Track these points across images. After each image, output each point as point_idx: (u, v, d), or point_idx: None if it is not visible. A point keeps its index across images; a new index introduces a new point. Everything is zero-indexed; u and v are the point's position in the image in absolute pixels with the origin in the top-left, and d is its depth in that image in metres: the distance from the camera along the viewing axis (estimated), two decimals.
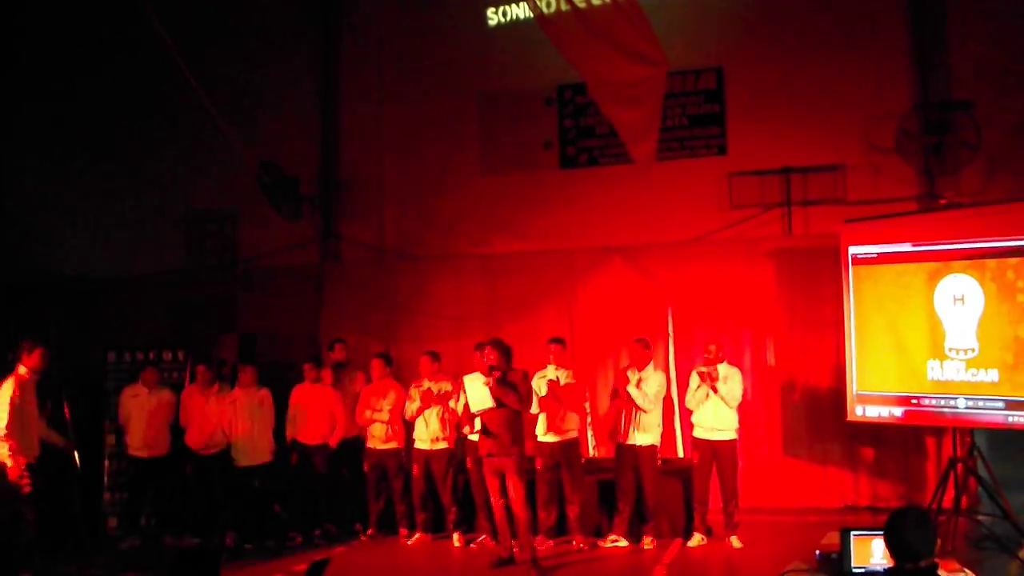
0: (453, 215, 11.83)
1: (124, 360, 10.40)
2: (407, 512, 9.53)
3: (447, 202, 11.88)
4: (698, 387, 8.81)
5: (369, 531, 9.65)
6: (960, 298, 8.20)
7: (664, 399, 9.15)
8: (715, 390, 8.67)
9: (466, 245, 11.67)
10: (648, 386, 8.83)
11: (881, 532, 3.78)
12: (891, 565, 3.67)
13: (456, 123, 11.96)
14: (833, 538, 4.56)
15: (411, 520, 9.50)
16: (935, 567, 3.61)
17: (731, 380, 8.79)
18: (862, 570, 4.38)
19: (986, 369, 7.87)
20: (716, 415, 8.75)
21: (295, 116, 12.38)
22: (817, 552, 4.81)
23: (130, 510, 9.76)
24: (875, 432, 9.73)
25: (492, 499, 8.20)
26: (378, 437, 9.53)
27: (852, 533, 4.32)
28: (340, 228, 12.29)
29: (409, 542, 9.35)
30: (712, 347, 8.92)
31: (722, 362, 8.86)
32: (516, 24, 11.36)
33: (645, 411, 8.74)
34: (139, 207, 12.60)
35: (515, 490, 7.96)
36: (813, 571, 4.67)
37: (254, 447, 9.49)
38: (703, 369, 8.78)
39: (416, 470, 9.34)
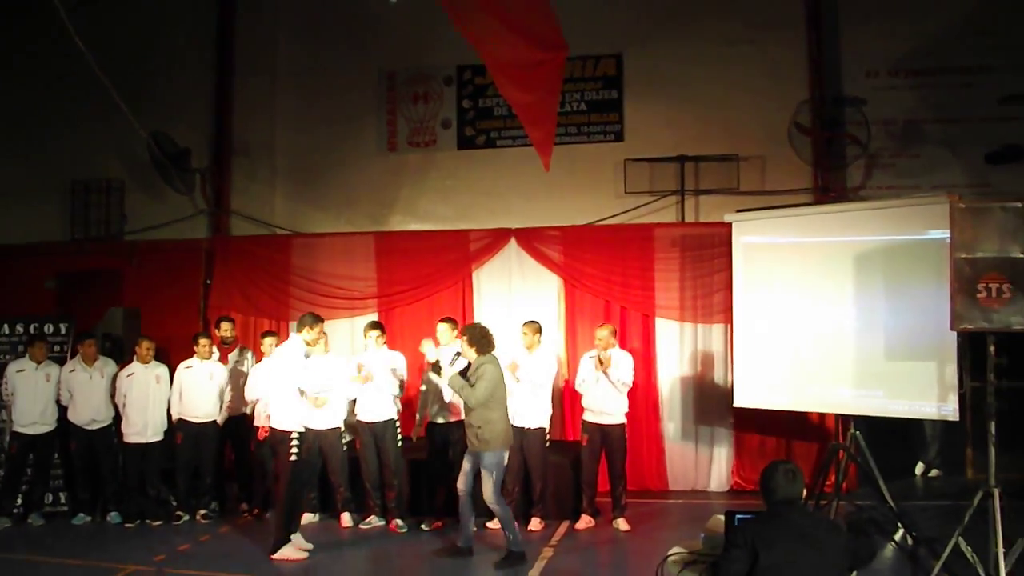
0: (348, 192, 12.39)
1: (3, 333, 10.65)
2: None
3: (342, 179, 12.42)
4: (590, 372, 9.46)
5: (255, 510, 10.13)
6: (843, 289, 8.98)
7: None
8: (607, 375, 9.33)
9: (360, 223, 12.22)
10: (538, 369, 9.48)
11: None
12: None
13: (354, 99, 12.50)
14: (718, 521, 4.93)
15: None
16: (799, 499, 4.53)
17: (621, 365, 9.47)
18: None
19: (869, 359, 8.53)
20: (605, 399, 9.42)
21: (188, 86, 12.71)
22: (702, 535, 5.27)
23: (6, 488, 10.00)
24: (760, 418, 10.50)
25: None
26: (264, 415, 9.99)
27: (736, 516, 4.62)
28: (231, 202, 12.73)
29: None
30: (604, 332, 9.59)
31: (613, 347, 9.58)
32: (417, 1, 11.77)
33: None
34: (24, 174, 12.85)
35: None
36: (697, 553, 5.03)
37: (148, 424, 9.88)
38: (597, 354, 9.40)
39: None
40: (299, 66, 12.57)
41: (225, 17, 12.44)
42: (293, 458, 8.41)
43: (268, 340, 10.14)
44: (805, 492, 8.56)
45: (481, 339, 8.31)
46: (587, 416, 9.56)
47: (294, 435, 8.43)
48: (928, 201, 8.46)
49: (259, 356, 10.32)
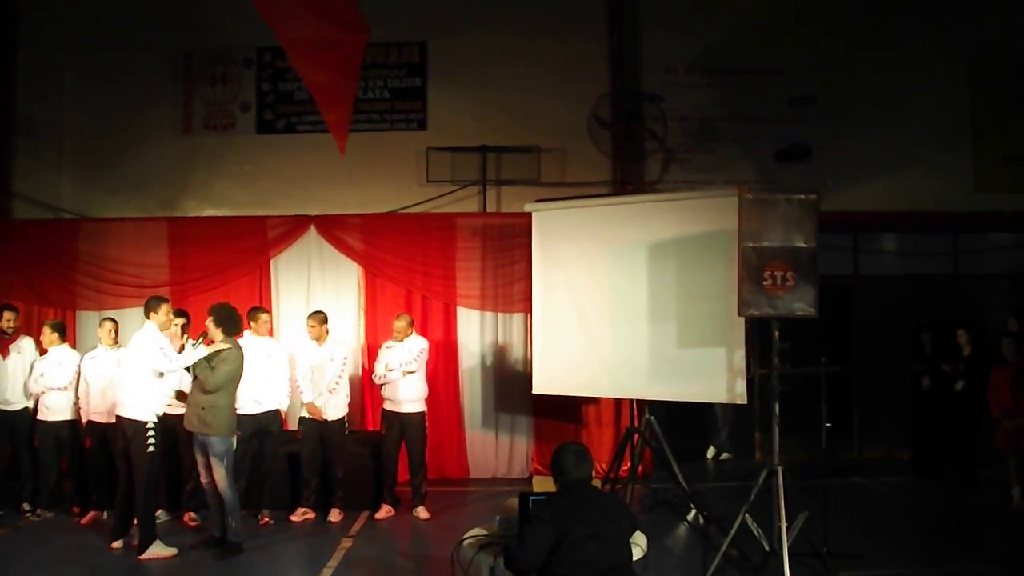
0: (140, 175, 12.14)
1: None
2: (79, 488, 9.86)
3: (135, 161, 12.16)
4: (389, 369, 9.69)
5: (37, 509, 9.86)
6: (637, 279, 9.44)
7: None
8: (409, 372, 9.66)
9: (153, 207, 12.03)
10: (335, 359, 9.73)
11: None
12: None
13: (149, 77, 12.26)
14: (513, 503, 5.11)
15: (84, 497, 9.83)
16: (589, 479, 4.83)
17: (410, 348, 9.76)
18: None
19: (662, 346, 9.03)
20: (403, 387, 9.69)
21: None
22: (497, 517, 5.37)
23: None
24: (559, 405, 10.91)
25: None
26: (53, 409, 9.77)
27: (531, 498, 4.79)
28: (13, 184, 12.30)
29: (83, 520, 9.62)
30: (401, 323, 9.85)
31: (410, 335, 9.85)
32: None
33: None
34: None
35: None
36: (492, 535, 5.28)
37: None
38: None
39: (89, 443, 9.67)
40: (91, 41, 12.22)
41: None
42: (151, 449, 8.24)
43: (48, 329, 9.91)
44: (601, 476, 9.05)
45: (228, 320, 8.40)
46: (386, 405, 9.78)
47: (150, 425, 8.25)
48: (719, 194, 9.05)
49: (42, 347, 10.01)
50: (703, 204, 9.13)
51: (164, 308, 8.43)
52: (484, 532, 5.58)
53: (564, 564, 4.49)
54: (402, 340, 9.72)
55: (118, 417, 8.46)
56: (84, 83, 12.36)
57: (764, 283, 7.24)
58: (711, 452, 12.33)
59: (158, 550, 8.26)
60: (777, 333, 7.47)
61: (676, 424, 10.34)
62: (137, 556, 8.22)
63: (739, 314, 7.46)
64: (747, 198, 7.37)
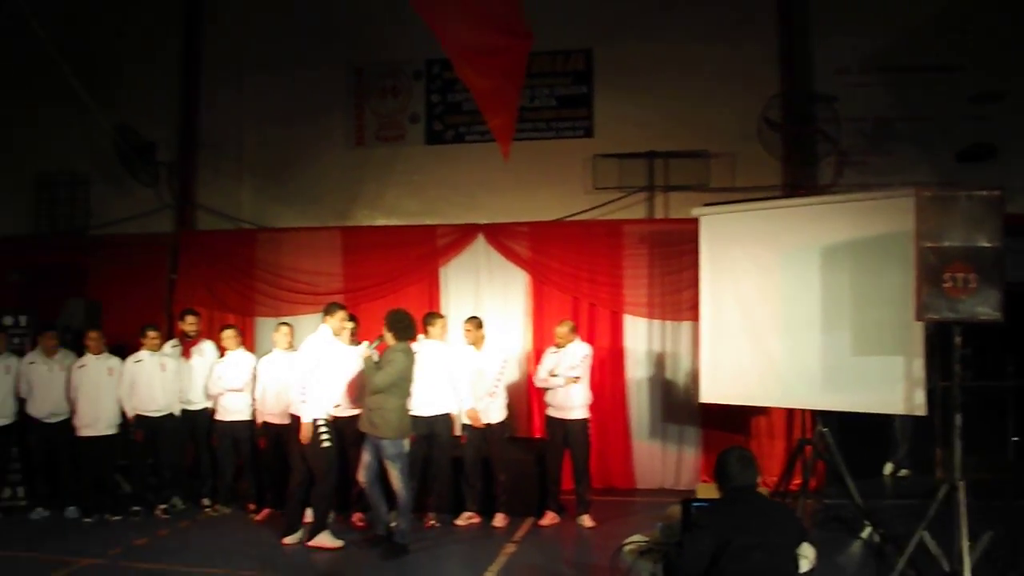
0: (315, 186, 12.56)
1: None
2: (255, 486, 10.30)
3: (310, 173, 12.60)
4: (553, 375, 9.72)
5: (215, 505, 10.38)
6: (809, 284, 9.14)
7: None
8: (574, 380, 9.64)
9: (327, 217, 12.42)
10: (494, 364, 9.85)
11: None
12: None
13: (323, 93, 12.69)
14: (676, 510, 4.94)
15: (260, 494, 10.27)
16: (755, 486, 4.67)
17: (572, 355, 9.75)
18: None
19: (836, 354, 8.67)
20: (567, 394, 9.67)
21: (155, 78, 12.90)
22: (659, 524, 5.36)
23: None
24: (729, 415, 10.73)
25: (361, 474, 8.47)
26: (230, 409, 10.25)
27: (693, 504, 4.65)
28: (197, 196, 12.91)
29: (257, 516, 10.05)
30: (563, 328, 9.86)
31: (573, 341, 9.85)
32: None
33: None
34: None
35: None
36: (653, 541, 5.17)
37: (100, 417, 10.01)
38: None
39: (263, 443, 10.10)
40: (267, 59, 12.70)
41: (193, 9, 12.61)
42: (324, 445, 8.70)
43: (228, 333, 10.38)
44: (771, 489, 8.80)
45: (398, 325, 8.61)
46: (549, 412, 9.81)
47: (320, 422, 8.73)
48: (895, 195, 8.62)
49: (222, 350, 10.45)
50: (878, 205, 8.74)
51: (340, 314, 8.90)
52: (645, 539, 5.47)
53: (725, 574, 4.36)
54: (564, 346, 9.74)
55: (291, 416, 8.84)
56: (262, 99, 12.85)
57: (944, 285, 6.89)
58: (888, 468, 11.79)
59: (326, 539, 8.63)
60: (959, 339, 7.08)
61: (851, 438, 9.92)
62: (305, 542, 8.66)
63: (917, 318, 7.12)
64: (925, 196, 7.06)
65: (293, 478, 8.94)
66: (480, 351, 9.86)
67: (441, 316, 10.05)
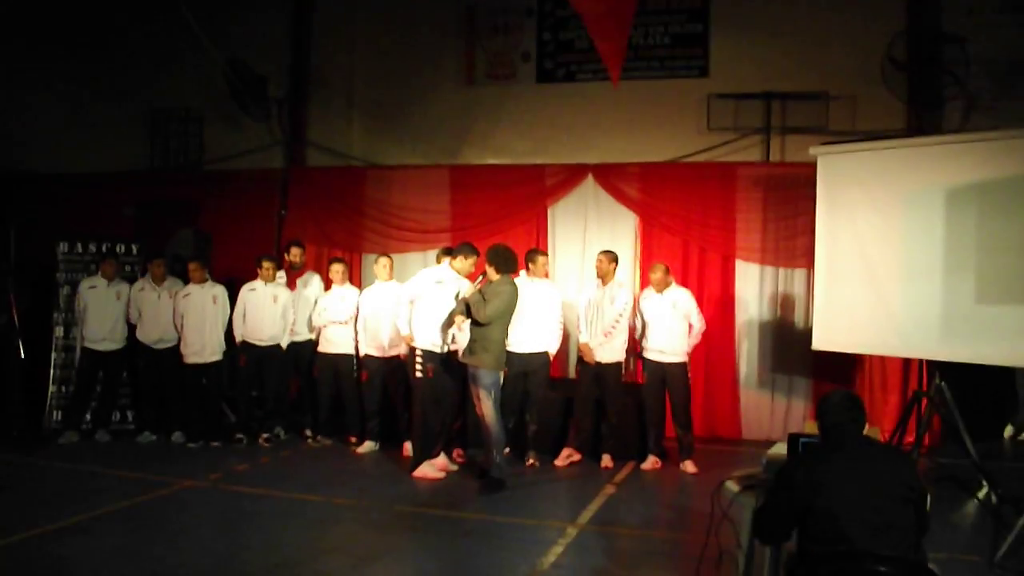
0: (424, 125, 12.55)
1: (76, 251, 11.07)
2: (357, 419, 10.37)
3: (419, 111, 12.58)
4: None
5: (317, 436, 10.52)
6: (932, 228, 8.76)
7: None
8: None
9: (436, 156, 12.38)
10: (616, 302, 9.64)
11: None
12: None
13: (434, 30, 12.65)
14: (782, 447, 4.78)
15: (361, 427, 10.34)
16: (860, 428, 4.23)
17: (681, 303, 9.63)
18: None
19: (959, 303, 8.29)
20: (666, 337, 9.55)
21: (267, 14, 13.04)
22: (764, 460, 5.12)
23: (76, 404, 10.49)
24: (841, 366, 10.45)
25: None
26: (333, 342, 10.34)
27: (801, 440, 4.48)
28: (307, 133, 13.04)
29: (359, 450, 10.14)
30: (657, 273, 9.70)
31: (669, 285, 9.70)
32: None
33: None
34: (103, 103, 13.39)
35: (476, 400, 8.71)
36: (757, 477, 4.93)
37: (206, 344, 10.23)
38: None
39: (365, 376, 10.15)
40: None
41: None
42: (418, 375, 8.84)
43: (336, 267, 10.43)
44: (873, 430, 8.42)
45: (499, 259, 8.56)
46: (647, 355, 9.67)
47: (419, 353, 8.86)
48: None
49: (327, 283, 10.54)
50: (1009, 145, 8.28)
51: (473, 258, 8.98)
52: (749, 473, 5.25)
53: (816, 512, 3.97)
54: (661, 292, 9.59)
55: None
56: (373, 38, 12.89)
57: None
58: (1009, 431, 11.26)
59: (428, 470, 8.68)
60: None
61: (969, 397, 9.34)
62: (409, 472, 8.74)
63: None
64: None
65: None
66: (606, 286, 9.65)
67: (543, 253, 9.98)
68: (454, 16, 12.58)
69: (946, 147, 8.88)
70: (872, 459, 4.01)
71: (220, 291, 10.29)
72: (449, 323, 8.85)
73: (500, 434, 8.54)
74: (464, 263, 8.90)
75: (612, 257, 9.74)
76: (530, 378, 9.45)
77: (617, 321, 9.56)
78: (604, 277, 9.67)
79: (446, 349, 8.97)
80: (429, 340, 8.87)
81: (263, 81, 12.22)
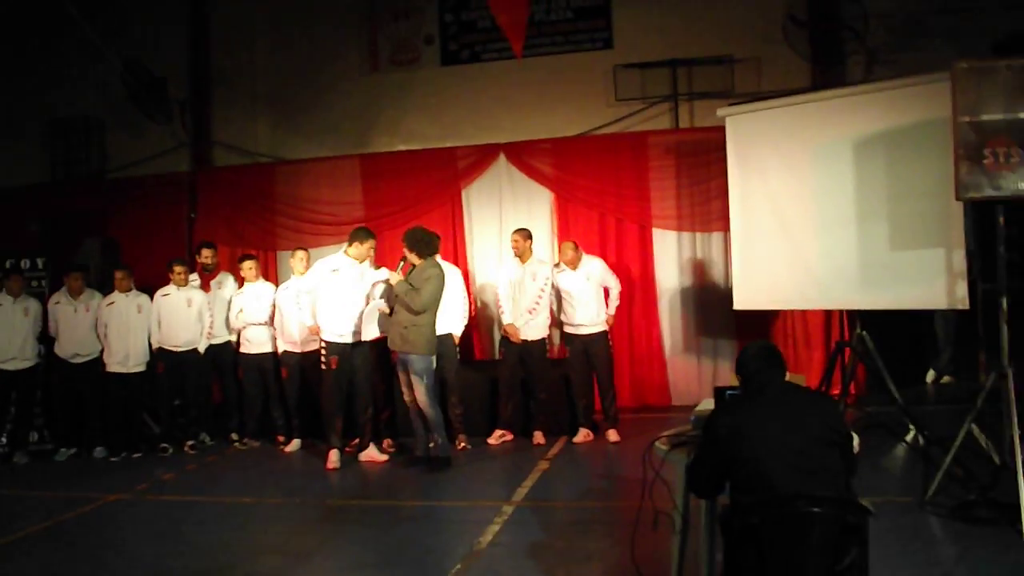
0: (331, 116, 12.34)
1: None
2: (284, 418, 10.22)
3: (325, 102, 12.37)
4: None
5: (244, 439, 10.33)
6: (843, 180, 8.81)
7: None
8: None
9: (346, 146, 12.18)
10: (537, 278, 9.66)
11: None
12: None
13: (335, 19, 12.43)
14: (709, 403, 4.80)
15: (288, 426, 10.20)
16: (780, 377, 4.18)
17: (595, 273, 9.66)
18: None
19: (873, 250, 8.59)
20: (584, 310, 9.56)
21: (162, 12, 12.70)
22: (692, 417, 5.09)
23: None
24: (764, 325, 10.58)
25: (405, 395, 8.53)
26: (254, 342, 10.18)
27: (727, 392, 4.50)
28: (212, 133, 12.77)
29: (287, 448, 10.01)
30: (569, 249, 9.71)
31: (580, 259, 9.69)
32: None
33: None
34: (1, 116, 12.97)
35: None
36: (686, 434, 5.03)
37: (130, 354, 10.00)
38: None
39: (285, 373, 10.00)
40: None
41: None
42: (322, 367, 8.86)
43: (247, 264, 10.27)
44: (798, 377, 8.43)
45: (421, 242, 8.49)
46: (567, 329, 9.68)
47: (321, 346, 8.91)
48: (930, 79, 8.14)
49: (240, 281, 10.37)
50: (911, 92, 8.35)
51: (370, 242, 8.95)
52: (679, 432, 5.20)
53: (741, 461, 3.93)
54: (575, 268, 9.61)
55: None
56: (273, 32, 12.64)
57: (984, 161, 6.49)
58: (931, 376, 11.36)
59: (374, 453, 8.86)
60: (1002, 219, 6.69)
61: (891, 346, 9.43)
62: (358, 454, 8.88)
63: (957, 198, 6.71)
64: (961, 68, 6.64)
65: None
66: (525, 264, 9.63)
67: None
68: (354, 3, 12.40)
69: (850, 99, 8.91)
70: (794, 404, 3.97)
71: (144, 300, 10.04)
72: (371, 312, 8.79)
73: (438, 416, 8.54)
74: (360, 248, 8.82)
75: (527, 235, 9.73)
76: (440, 361, 9.20)
77: (540, 298, 9.55)
78: (522, 256, 9.66)
79: (352, 339, 8.93)
80: (330, 331, 8.83)
81: (163, 83, 11.94)
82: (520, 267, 9.68)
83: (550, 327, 9.76)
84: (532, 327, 9.31)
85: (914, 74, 9.27)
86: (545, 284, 9.61)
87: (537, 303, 9.51)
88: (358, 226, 9.09)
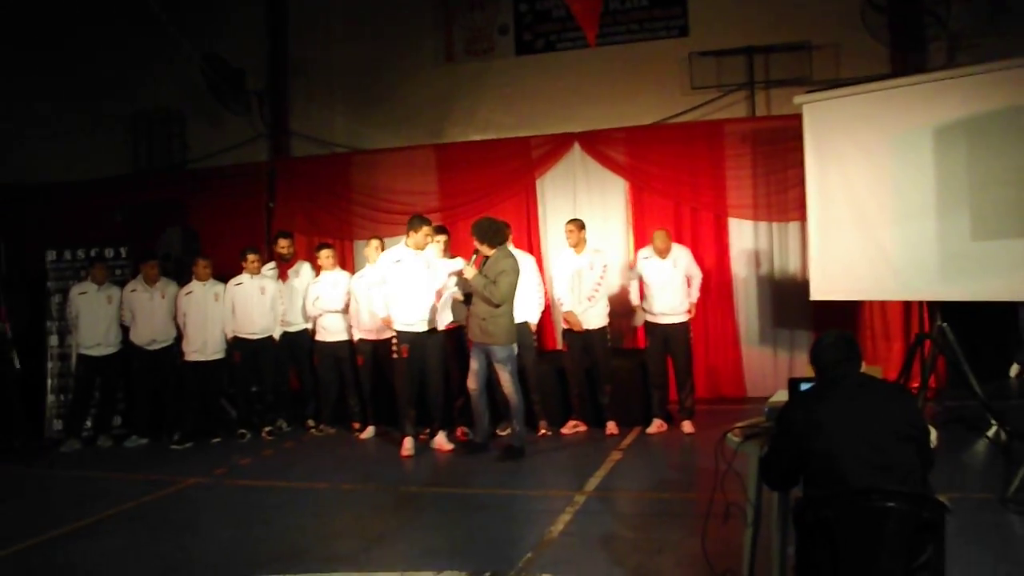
0: (407, 106, 12.40)
1: (65, 259, 11.08)
2: (359, 405, 10.30)
3: (401, 93, 12.44)
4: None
5: (320, 425, 10.45)
6: (923, 169, 8.62)
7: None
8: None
9: (420, 136, 12.25)
10: (595, 267, 9.61)
11: None
12: None
13: (411, 10, 12.50)
14: (784, 395, 4.66)
15: (363, 413, 10.29)
16: (856, 367, 4.11)
17: (681, 261, 9.58)
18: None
19: (954, 241, 8.19)
20: (669, 299, 9.47)
21: (240, 5, 12.97)
22: (766, 408, 5.02)
23: (75, 411, 10.47)
24: (842, 317, 10.29)
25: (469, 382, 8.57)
26: (330, 330, 10.26)
27: (801, 383, 4.36)
28: (290, 123, 12.93)
29: (361, 435, 10.11)
30: (661, 238, 9.59)
31: (670, 248, 9.59)
32: None
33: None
34: (83, 111, 13.20)
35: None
36: (759, 425, 4.83)
37: (208, 342, 10.18)
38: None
39: (361, 361, 10.07)
40: None
41: None
42: (393, 355, 8.97)
43: (324, 253, 10.35)
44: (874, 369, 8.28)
45: (489, 232, 8.50)
46: (649, 318, 9.60)
47: (392, 335, 8.98)
48: (1013, 65, 8.00)
49: (317, 270, 10.47)
50: (995, 78, 8.15)
51: (424, 229, 8.94)
52: (752, 423, 5.12)
53: (815, 454, 3.87)
54: (664, 257, 9.53)
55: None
56: (350, 24, 12.75)
57: None
58: (1014, 370, 11.10)
59: (443, 441, 8.96)
60: None
61: (972, 339, 9.22)
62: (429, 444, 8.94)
63: None
64: None
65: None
66: (580, 254, 9.60)
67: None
68: None
69: (931, 85, 8.72)
70: (869, 396, 3.87)
71: (221, 288, 10.21)
72: (445, 301, 8.94)
73: (520, 404, 8.62)
74: (416, 236, 8.87)
75: (580, 225, 9.71)
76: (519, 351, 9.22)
77: (599, 285, 9.55)
78: (576, 246, 9.64)
79: (423, 328, 8.99)
80: (400, 320, 8.90)
81: (241, 74, 12.15)
82: (576, 256, 9.65)
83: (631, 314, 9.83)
84: (592, 315, 9.25)
85: (998, 59, 9.11)
86: (604, 271, 9.61)
87: (596, 291, 9.43)
88: (414, 214, 9.14)
